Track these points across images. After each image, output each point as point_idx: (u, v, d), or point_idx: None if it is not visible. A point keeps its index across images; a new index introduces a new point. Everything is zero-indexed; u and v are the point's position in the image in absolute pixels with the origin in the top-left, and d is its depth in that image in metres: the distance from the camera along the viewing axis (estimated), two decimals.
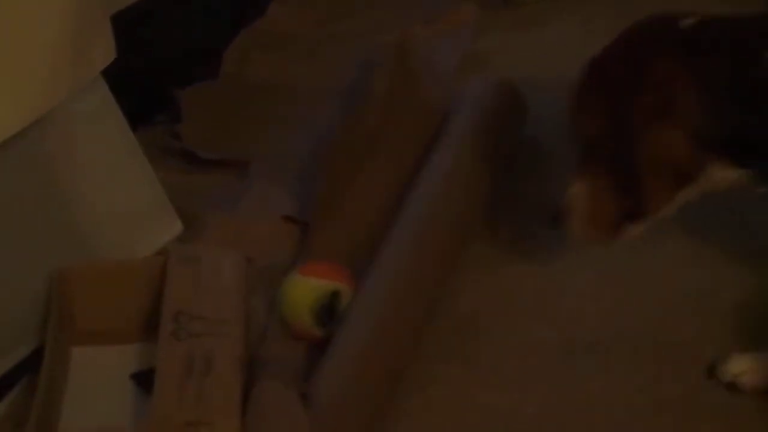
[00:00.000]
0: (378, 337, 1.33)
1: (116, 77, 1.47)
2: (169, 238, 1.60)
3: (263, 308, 1.45)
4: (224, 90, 1.96)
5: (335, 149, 1.64)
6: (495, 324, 1.41)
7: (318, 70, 1.98)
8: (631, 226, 1.26)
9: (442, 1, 2.07)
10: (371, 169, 1.61)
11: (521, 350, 1.37)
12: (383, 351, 1.32)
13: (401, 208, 1.50)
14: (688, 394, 1.26)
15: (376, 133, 1.64)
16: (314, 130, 1.79)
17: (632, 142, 1.18)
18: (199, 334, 1.30)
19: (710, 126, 1.17)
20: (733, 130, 1.16)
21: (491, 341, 1.39)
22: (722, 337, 1.32)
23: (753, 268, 1.39)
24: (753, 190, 1.21)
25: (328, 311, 1.38)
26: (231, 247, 1.49)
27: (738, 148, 1.17)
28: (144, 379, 1.34)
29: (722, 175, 1.20)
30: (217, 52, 2.01)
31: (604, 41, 1.24)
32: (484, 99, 1.66)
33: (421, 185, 1.53)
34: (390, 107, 1.67)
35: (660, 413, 1.26)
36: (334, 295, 1.39)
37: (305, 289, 1.40)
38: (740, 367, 1.25)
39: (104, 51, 1.42)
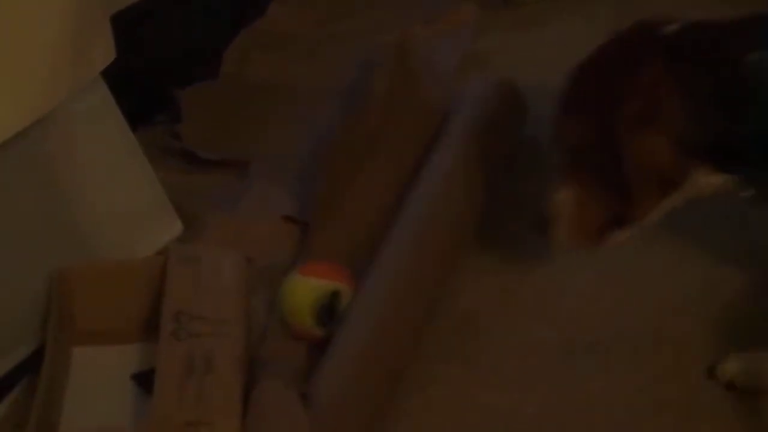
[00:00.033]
0: (378, 337, 1.33)
1: (116, 77, 1.47)
2: (169, 239, 1.60)
3: (263, 308, 1.45)
4: (224, 90, 1.96)
5: (335, 149, 1.64)
6: (495, 324, 1.41)
7: (318, 70, 1.98)
8: (617, 233, 1.26)
9: (442, 1, 2.07)
10: (371, 169, 1.61)
11: (521, 350, 1.37)
12: (383, 351, 1.32)
13: (401, 208, 1.50)
14: (688, 394, 1.26)
15: (376, 133, 1.64)
16: (314, 130, 1.79)
17: (617, 149, 1.18)
18: (199, 334, 1.30)
19: (694, 132, 1.17)
20: (717, 136, 1.16)
21: (491, 341, 1.39)
22: (722, 337, 1.32)
23: (753, 268, 1.39)
24: (737, 196, 1.21)
25: (328, 311, 1.38)
26: (231, 247, 1.49)
27: (722, 153, 1.17)
28: (144, 380, 1.34)
29: (707, 181, 1.20)
30: (217, 52, 2.01)
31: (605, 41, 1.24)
32: (484, 99, 1.65)
33: (421, 185, 1.53)
34: (390, 107, 1.67)
35: (660, 413, 1.26)
36: (334, 295, 1.39)
37: (305, 289, 1.40)
38: (734, 368, 1.25)
39: (104, 51, 1.42)
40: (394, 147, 1.63)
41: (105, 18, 1.44)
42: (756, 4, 1.24)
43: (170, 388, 1.24)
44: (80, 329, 1.44)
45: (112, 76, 1.46)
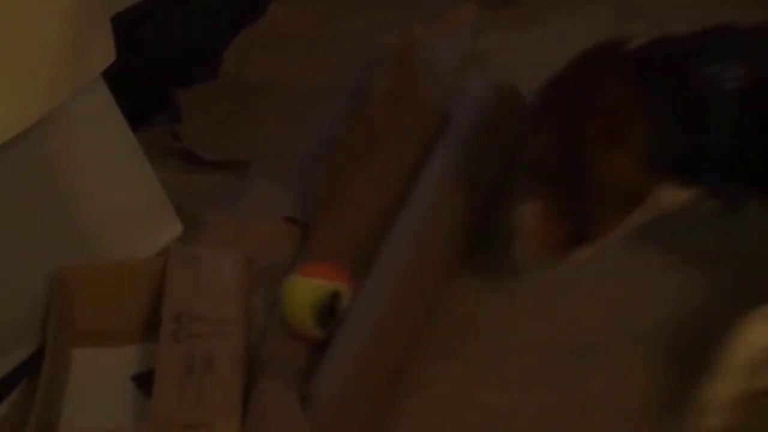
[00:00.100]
0: (378, 337, 1.33)
1: (116, 77, 1.47)
2: (169, 239, 1.60)
3: (263, 308, 1.45)
4: (224, 90, 1.96)
5: (335, 149, 1.64)
6: (495, 324, 1.41)
7: (318, 70, 1.97)
8: (579, 249, 1.26)
9: (442, 1, 2.07)
10: (371, 169, 1.61)
11: (521, 350, 1.37)
12: (383, 351, 1.32)
13: (401, 208, 1.50)
14: (688, 394, 1.26)
15: (376, 133, 1.64)
16: (314, 130, 1.79)
17: (582, 165, 1.19)
18: (199, 335, 1.30)
19: (658, 148, 1.17)
20: (680, 150, 1.17)
21: (491, 341, 1.39)
22: (723, 337, 1.31)
23: (753, 268, 1.39)
24: (700, 208, 1.22)
25: (328, 311, 1.38)
26: (231, 247, 1.49)
27: (686, 168, 1.18)
28: (144, 381, 1.34)
29: (672, 196, 1.20)
30: (217, 52, 2.01)
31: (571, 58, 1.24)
32: (484, 99, 1.66)
33: (421, 185, 1.53)
34: (390, 107, 1.67)
35: (660, 413, 1.26)
36: (334, 296, 1.39)
37: (305, 289, 1.40)
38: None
39: (104, 52, 1.42)
40: (394, 147, 1.63)
41: (105, 19, 1.44)
42: (756, 4, 1.24)
43: (170, 389, 1.24)
44: (80, 330, 1.44)
45: (112, 76, 1.46)
